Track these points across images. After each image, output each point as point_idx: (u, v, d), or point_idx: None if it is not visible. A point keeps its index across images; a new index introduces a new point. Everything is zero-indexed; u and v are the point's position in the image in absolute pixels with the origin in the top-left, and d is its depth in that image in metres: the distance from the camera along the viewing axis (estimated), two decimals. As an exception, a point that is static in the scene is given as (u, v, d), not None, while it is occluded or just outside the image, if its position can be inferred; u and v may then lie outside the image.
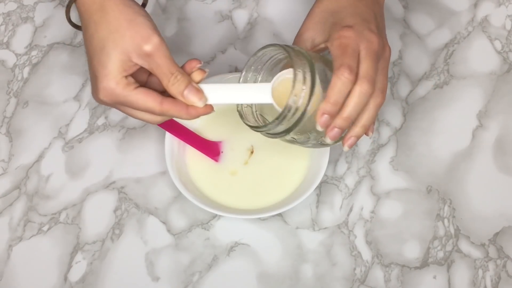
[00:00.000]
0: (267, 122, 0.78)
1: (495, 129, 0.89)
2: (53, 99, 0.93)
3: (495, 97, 0.90)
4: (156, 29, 0.73)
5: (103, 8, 0.73)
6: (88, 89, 0.93)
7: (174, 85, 0.73)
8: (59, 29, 0.96)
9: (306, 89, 0.72)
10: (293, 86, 0.72)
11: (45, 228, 0.86)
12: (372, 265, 0.84)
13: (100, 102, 0.75)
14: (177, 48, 0.95)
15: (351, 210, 0.86)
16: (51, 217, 0.87)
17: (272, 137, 0.76)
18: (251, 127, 0.77)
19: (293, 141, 0.77)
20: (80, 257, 0.85)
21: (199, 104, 0.74)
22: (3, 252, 0.86)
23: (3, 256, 0.85)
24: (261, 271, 0.84)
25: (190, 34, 0.96)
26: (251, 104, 0.78)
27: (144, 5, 0.80)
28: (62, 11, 0.97)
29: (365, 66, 0.73)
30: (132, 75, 0.75)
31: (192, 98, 0.74)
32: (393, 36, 0.95)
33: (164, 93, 0.75)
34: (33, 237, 0.86)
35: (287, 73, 0.75)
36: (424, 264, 0.84)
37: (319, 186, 0.87)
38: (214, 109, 0.75)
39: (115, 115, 0.91)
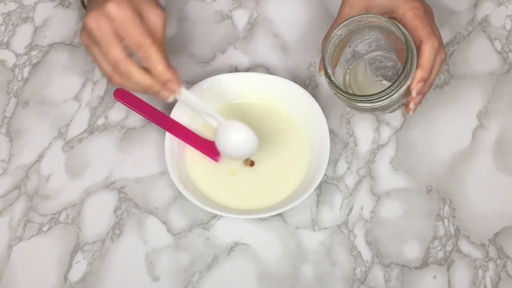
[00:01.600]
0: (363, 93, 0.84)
1: (495, 129, 0.89)
2: (53, 99, 0.93)
3: (495, 97, 0.90)
4: None
5: None
6: (88, 89, 0.93)
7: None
8: (59, 29, 0.96)
9: (412, 66, 0.77)
10: (406, 63, 0.77)
11: (45, 228, 0.86)
12: (372, 265, 0.84)
13: (87, 26, 0.75)
14: (177, 48, 0.95)
15: (351, 210, 0.86)
16: (51, 217, 0.87)
17: (356, 104, 0.80)
18: (348, 95, 0.80)
19: (374, 110, 0.81)
20: (80, 257, 0.85)
21: (174, 79, 0.77)
22: (3, 252, 0.86)
23: (3, 256, 0.85)
24: (261, 271, 0.84)
25: (190, 34, 0.96)
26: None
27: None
28: (62, 11, 0.97)
29: (438, 33, 0.79)
30: None
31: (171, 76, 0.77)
32: (393, 36, 0.94)
33: None
34: (33, 237, 0.86)
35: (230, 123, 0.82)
36: (424, 264, 0.84)
37: (319, 186, 0.87)
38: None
39: (115, 115, 0.91)
